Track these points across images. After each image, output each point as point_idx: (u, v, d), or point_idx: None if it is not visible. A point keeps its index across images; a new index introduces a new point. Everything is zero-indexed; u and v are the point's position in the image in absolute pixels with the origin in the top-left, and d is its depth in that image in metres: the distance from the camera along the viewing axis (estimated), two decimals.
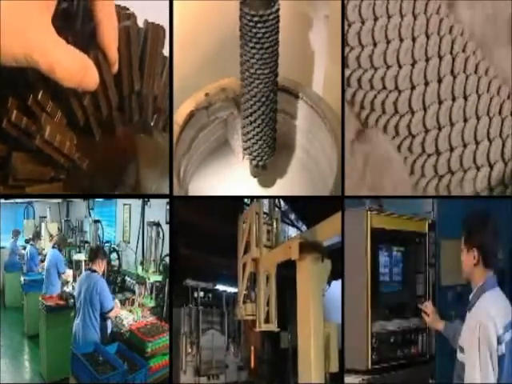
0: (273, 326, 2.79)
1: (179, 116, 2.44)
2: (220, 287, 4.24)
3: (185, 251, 3.65)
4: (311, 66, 2.89)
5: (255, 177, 2.60)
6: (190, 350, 3.71)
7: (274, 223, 2.97)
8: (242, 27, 2.17)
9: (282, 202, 4.20)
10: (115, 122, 1.91)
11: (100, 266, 3.52)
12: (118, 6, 2.19)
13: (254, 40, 2.13)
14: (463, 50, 2.44)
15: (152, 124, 2.16)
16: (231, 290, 4.10)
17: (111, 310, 3.40)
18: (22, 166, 1.64)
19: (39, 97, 1.61)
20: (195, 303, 3.91)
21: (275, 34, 2.18)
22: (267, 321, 2.77)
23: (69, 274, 4.99)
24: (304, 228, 4.39)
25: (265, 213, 2.99)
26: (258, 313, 2.79)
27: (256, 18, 2.08)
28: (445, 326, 2.29)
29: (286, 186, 2.64)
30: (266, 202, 3.09)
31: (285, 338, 4.33)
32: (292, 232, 4.40)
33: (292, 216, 4.42)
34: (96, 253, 3.60)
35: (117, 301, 3.73)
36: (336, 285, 2.68)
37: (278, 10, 2.13)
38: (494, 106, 2.43)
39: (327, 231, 2.29)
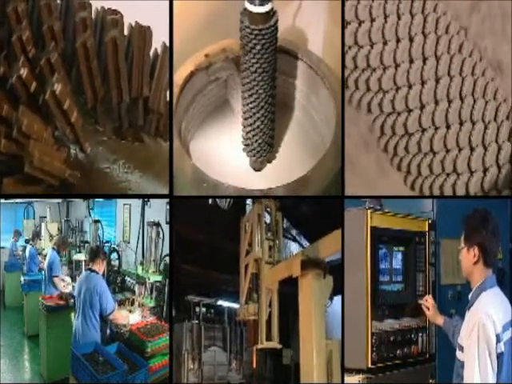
0: (275, 343, 2.77)
1: (179, 76, 2.48)
2: (222, 303, 4.24)
3: (187, 267, 3.65)
4: (311, 27, 2.93)
5: (255, 169, 2.66)
6: (191, 367, 3.70)
7: (277, 239, 2.95)
8: (242, 38, 2.27)
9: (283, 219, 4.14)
10: (106, 132, 1.93)
11: (100, 266, 3.47)
12: (106, 10, 2.21)
13: (253, 51, 2.24)
14: (459, 50, 2.45)
15: (144, 126, 2.18)
16: (233, 305, 4.10)
17: (112, 312, 3.35)
18: (14, 189, 1.64)
19: (23, 127, 1.58)
20: (197, 319, 3.90)
21: (274, 45, 2.28)
22: (269, 338, 2.75)
23: (58, 280, 4.85)
24: (306, 243, 4.36)
25: (268, 228, 2.96)
26: (260, 330, 2.77)
27: (256, 32, 2.19)
28: (444, 321, 2.29)
29: (284, 149, 2.68)
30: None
31: (287, 355, 4.31)
32: (294, 247, 4.39)
33: (294, 231, 4.41)
34: (96, 253, 3.55)
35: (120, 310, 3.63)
36: (338, 300, 2.69)
37: (276, 22, 2.22)
38: (489, 110, 2.44)
39: (329, 248, 2.30)
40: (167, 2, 2.39)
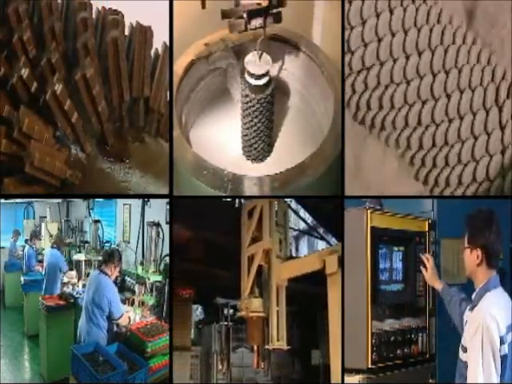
0: (283, 344, 2.70)
1: (179, 65, 2.51)
2: None
3: (213, 270, 3.64)
4: (310, 15, 2.96)
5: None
6: (220, 367, 3.72)
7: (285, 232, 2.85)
8: (242, 103, 2.46)
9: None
10: (106, 133, 1.92)
11: (112, 271, 3.42)
12: (106, 10, 2.21)
13: (252, 115, 2.42)
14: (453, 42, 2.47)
15: (144, 126, 2.18)
16: None
17: (121, 316, 3.39)
18: (15, 190, 1.63)
19: (24, 127, 1.57)
20: (225, 320, 3.89)
21: (270, 109, 2.46)
22: (278, 338, 2.67)
23: (71, 274, 4.95)
24: (334, 241, 4.31)
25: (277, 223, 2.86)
26: (270, 329, 2.70)
27: (254, 101, 2.37)
28: (443, 287, 2.23)
29: (283, 137, 2.73)
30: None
31: (316, 355, 4.27)
32: (321, 245, 4.35)
33: (321, 230, 4.37)
34: (110, 256, 3.48)
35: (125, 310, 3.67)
36: None
37: (273, 89, 2.41)
38: (489, 96, 2.45)
39: None
40: (167, 2, 2.39)
